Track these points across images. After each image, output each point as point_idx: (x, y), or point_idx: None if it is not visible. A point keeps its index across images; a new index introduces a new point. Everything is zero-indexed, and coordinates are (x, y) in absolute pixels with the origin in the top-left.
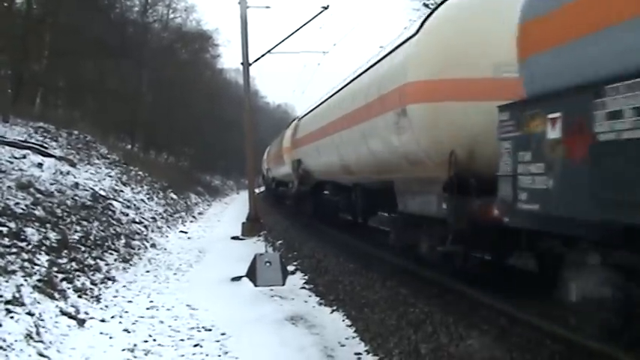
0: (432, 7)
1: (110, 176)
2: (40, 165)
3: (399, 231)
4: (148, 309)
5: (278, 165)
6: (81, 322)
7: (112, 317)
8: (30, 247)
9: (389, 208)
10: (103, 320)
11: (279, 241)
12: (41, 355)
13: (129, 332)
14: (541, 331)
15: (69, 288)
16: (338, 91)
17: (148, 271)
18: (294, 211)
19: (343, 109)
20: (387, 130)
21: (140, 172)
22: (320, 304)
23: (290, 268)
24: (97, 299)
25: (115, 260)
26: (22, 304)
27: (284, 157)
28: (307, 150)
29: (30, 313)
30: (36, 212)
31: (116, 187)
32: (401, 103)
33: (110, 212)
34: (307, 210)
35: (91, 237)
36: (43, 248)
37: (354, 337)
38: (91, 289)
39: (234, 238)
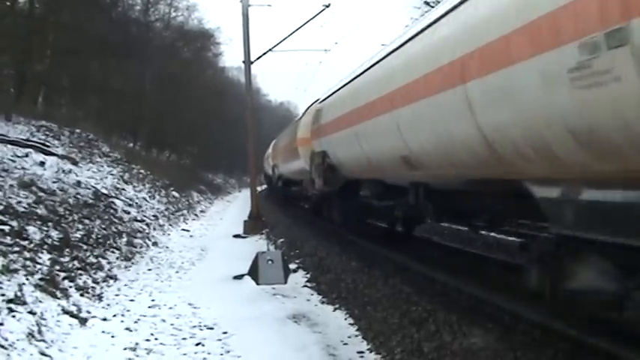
0: (433, 5)
1: (112, 174)
2: (42, 163)
3: (552, 267)
4: (150, 307)
5: (288, 160)
6: (83, 321)
7: (114, 316)
8: (32, 245)
9: (481, 218)
10: (104, 319)
11: (281, 239)
12: (43, 354)
13: (131, 331)
14: (545, 330)
15: (71, 287)
16: (394, 49)
17: (149, 270)
18: (311, 217)
19: (412, 72)
20: (543, 83)
21: (142, 171)
22: (322, 302)
23: (292, 266)
24: (99, 298)
25: (117, 259)
26: (24, 303)
27: (298, 151)
28: (338, 138)
29: (32, 312)
30: (38, 211)
31: (118, 186)
32: (603, 23)
33: (112, 210)
34: (335, 217)
35: (93, 235)
36: (45, 247)
37: (356, 336)
38: (92, 287)
39: (236, 236)
